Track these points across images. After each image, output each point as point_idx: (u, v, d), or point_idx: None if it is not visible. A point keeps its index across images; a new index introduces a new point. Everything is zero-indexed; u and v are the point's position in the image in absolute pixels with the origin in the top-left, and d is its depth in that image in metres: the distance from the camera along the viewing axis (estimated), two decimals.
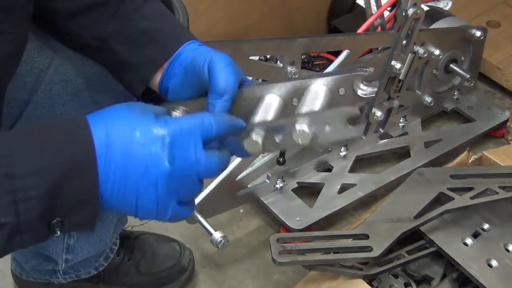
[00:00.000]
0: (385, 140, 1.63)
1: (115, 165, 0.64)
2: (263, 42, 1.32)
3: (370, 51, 1.47)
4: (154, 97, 0.87)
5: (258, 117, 0.78)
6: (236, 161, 1.34)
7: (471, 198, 1.21)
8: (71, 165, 0.62)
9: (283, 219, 1.42)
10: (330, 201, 1.47)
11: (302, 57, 1.40)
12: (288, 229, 1.41)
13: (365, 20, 1.42)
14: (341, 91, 0.79)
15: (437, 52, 1.50)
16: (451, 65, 1.61)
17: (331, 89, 0.78)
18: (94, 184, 0.64)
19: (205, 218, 1.28)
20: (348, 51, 1.39)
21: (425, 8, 1.43)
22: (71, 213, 0.64)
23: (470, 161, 1.42)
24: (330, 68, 1.42)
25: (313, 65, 1.82)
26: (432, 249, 1.20)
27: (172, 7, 1.41)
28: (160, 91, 0.85)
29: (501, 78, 1.83)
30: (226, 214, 1.48)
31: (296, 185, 1.50)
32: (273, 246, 1.12)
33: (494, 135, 1.72)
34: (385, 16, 1.43)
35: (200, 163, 0.67)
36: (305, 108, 0.79)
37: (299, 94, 0.80)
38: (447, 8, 1.78)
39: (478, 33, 1.60)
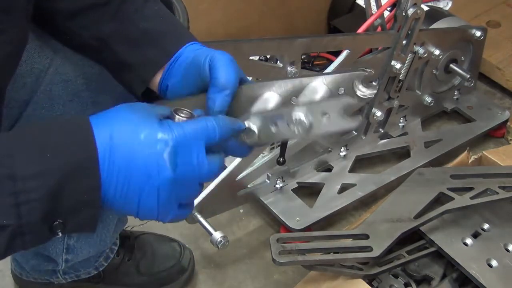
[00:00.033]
0: (385, 140, 1.63)
1: (118, 169, 0.64)
2: (263, 42, 1.32)
3: (370, 51, 1.47)
4: (153, 97, 0.87)
5: (254, 110, 0.78)
6: (236, 161, 1.34)
7: (471, 198, 1.21)
8: (73, 168, 0.62)
9: (283, 219, 1.42)
10: (330, 201, 1.47)
11: (302, 57, 1.40)
12: (288, 229, 1.41)
13: (365, 20, 1.42)
14: (341, 90, 0.79)
15: (437, 52, 1.50)
16: (451, 65, 1.61)
17: (331, 88, 0.78)
18: (96, 186, 0.64)
19: (205, 218, 1.28)
20: (348, 51, 1.39)
21: (425, 8, 1.44)
22: (73, 215, 0.64)
23: (470, 161, 1.42)
24: (330, 68, 1.42)
25: (313, 65, 1.82)
26: (432, 249, 1.20)
27: (173, 8, 1.41)
28: (159, 90, 0.85)
29: (501, 78, 1.84)
30: (226, 214, 1.48)
31: (296, 185, 1.50)
32: (273, 246, 1.12)
33: (494, 135, 1.72)
34: (385, 16, 1.43)
35: (203, 169, 0.67)
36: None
37: (298, 92, 0.80)
38: (447, 8, 1.78)
39: (478, 33, 1.60)
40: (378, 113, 1.51)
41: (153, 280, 1.34)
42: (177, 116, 0.68)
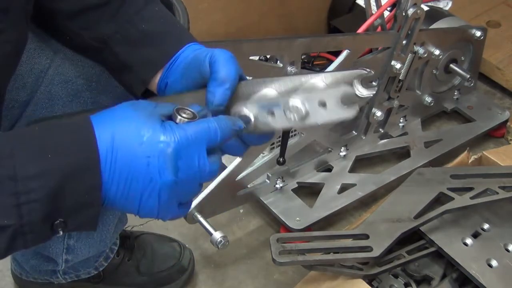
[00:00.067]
0: (385, 140, 1.63)
1: (120, 171, 0.64)
2: (263, 42, 1.32)
3: (370, 51, 1.47)
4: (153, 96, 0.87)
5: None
6: (236, 161, 1.34)
7: (471, 198, 1.21)
8: (74, 169, 0.62)
9: (283, 219, 1.42)
10: (330, 201, 1.47)
11: (302, 57, 1.40)
12: (288, 229, 1.41)
13: (365, 20, 1.42)
14: (342, 98, 0.78)
15: (437, 52, 1.50)
16: (451, 65, 1.61)
17: (330, 86, 0.78)
18: (97, 186, 0.64)
19: (205, 218, 1.28)
20: (348, 51, 1.39)
21: (425, 8, 1.43)
22: (74, 215, 0.64)
23: (470, 161, 1.42)
24: (330, 68, 1.42)
25: (313, 65, 1.82)
26: (432, 249, 1.20)
27: (173, 9, 1.41)
28: (158, 89, 0.85)
29: (501, 78, 1.84)
30: (226, 214, 1.48)
31: (296, 185, 1.50)
32: (273, 246, 1.12)
33: (494, 135, 1.72)
34: (385, 16, 1.43)
35: (204, 171, 0.67)
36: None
37: (296, 90, 0.79)
38: (447, 8, 1.78)
39: (478, 33, 1.60)
40: (378, 113, 1.51)
41: (153, 280, 1.34)
42: (179, 117, 0.68)
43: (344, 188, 1.50)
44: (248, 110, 0.71)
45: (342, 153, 1.56)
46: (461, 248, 1.18)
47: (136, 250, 1.34)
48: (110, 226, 1.20)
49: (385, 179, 1.53)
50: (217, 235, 1.22)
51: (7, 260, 1.36)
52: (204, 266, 1.43)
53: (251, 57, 1.32)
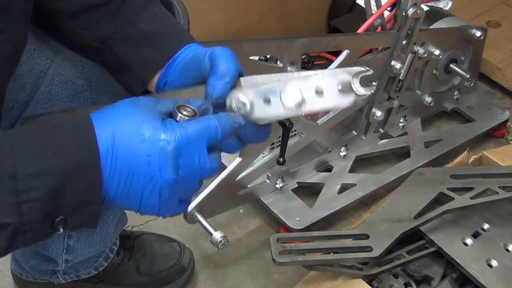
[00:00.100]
0: (385, 140, 1.63)
1: (120, 169, 0.64)
2: (263, 42, 1.32)
3: (370, 51, 1.47)
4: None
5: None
6: (236, 161, 1.34)
7: (471, 198, 1.21)
8: (74, 166, 0.63)
9: (283, 219, 1.42)
10: (330, 201, 1.47)
11: (302, 57, 1.40)
12: (288, 229, 1.41)
13: (365, 20, 1.42)
14: (339, 86, 0.77)
15: (437, 52, 1.50)
16: (451, 65, 1.61)
17: (327, 75, 0.77)
18: (97, 184, 0.64)
19: (205, 218, 1.28)
20: (348, 51, 1.39)
21: (425, 8, 1.43)
22: (74, 213, 0.65)
23: (470, 161, 1.42)
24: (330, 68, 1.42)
25: (313, 65, 1.82)
26: (432, 249, 1.20)
27: (173, 9, 1.40)
28: (156, 88, 0.85)
29: (501, 78, 1.84)
30: (226, 214, 1.48)
31: (296, 185, 1.50)
32: (273, 246, 1.12)
33: (494, 135, 1.72)
34: (385, 16, 1.43)
35: (204, 169, 0.67)
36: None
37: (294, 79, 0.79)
38: (447, 8, 1.78)
39: (478, 33, 1.60)
40: (378, 113, 1.51)
41: (153, 280, 1.34)
42: (180, 115, 0.67)
43: (344, 188, 1.50)
44: (244, 96, 0.71)
45: (342, 153, 1.56)
46: (461, 248, 1.18)
47: (136, 250, 1.34)
48: (110, 226, 1.20)
49: (385, 179, 1.53)
50: (217, 235, 1.22)
51: (7, 260, 1.36)
52: (204, 266, 1.43)
53: (251, 57, 1.32)
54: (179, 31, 0.88)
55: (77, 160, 0.63)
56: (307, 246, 1.16)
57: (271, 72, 0.74)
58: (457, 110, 1.74)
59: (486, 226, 1.22)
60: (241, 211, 1.54)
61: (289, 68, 1.33)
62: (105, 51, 0.86)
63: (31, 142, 0.63)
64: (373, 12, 1.43)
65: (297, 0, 1.87)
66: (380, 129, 1.61)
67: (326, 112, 1.46)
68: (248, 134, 0.73)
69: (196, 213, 1.29)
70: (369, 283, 1.15)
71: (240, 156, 1.34)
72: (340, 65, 1.40)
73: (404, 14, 1.38)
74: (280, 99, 0.69)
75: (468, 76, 1.61)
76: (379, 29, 1.44)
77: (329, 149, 1.54)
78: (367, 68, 0.72)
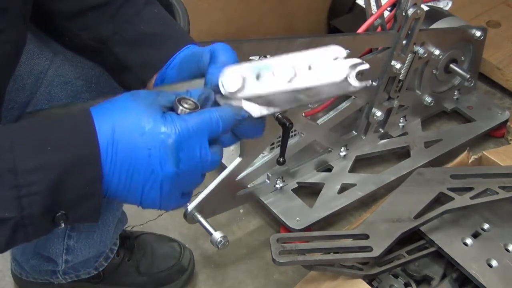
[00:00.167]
0: (385, 140, 1.63)
1: (121, 163, 0.64)
2: (263, 42, 1.32)
3: (370, 51, 1.47)
4: None
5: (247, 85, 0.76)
6: (236, 161, 1.34)
7: (471, 198, 1.21)
8: (74, 161, 0.63)
9: (283, 219, 1.42)
10: (330, 201, 1.47)
11: None
12: (288, 229, 1.41)
13: (365, 20, 1.42)
14: (332, 61, 0.75)
15: (437, 52, 1.50)
16: (451, 65, 1.61)
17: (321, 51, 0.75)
18: (98, 178, 0.64)
19: (205, 218, 1.28)
20: (348, 51, 1.39)
21: (425, 8, 1.43)
22: (75, 207, 0.65)
23: (470, 161, 1.42)
24: None
25: None
26: (432, 249, 1.20)
27: (173, 10, 1.40)
28: (154, 85, 0.85)
29: (501, 78, 1.83)
30: (226, 214, 1.48)
31: (296, 185, 1.50)
32: (273, 246, 1.12)
33: (494, 135, 1.72)
34: (385, 16, 1.43)
35: (205, 162, 0.67)
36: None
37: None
38: (447, 8, 1.78)
39: (478, 33, 1.60)
40: (378, 113, 1.51)
41: (153, 280, 1.34)
42: (181, 107, 0.67)
43: (344, 188, 1.50)
44: (236, 72, 0.69)
45: (342, 153, 1.56)
46: (461, 248, 1.18)
47: (136, 250, 1.34)
48: (110, 227, 1.20)
49: (385, 179, 1.53)
50: (217, 235, 1.22)
51: (7, 260, 1.37)
52: (204, 266, 1.43)
53: (251, 57, 1.32)
54: (179, 32, 0.88)
55: (77, 155, 0.63)
56: (307, 246, 1.16)
57: None
58: (457, 110, 1.74)
59: (486, 226, 1.22)
60: (241, 211, 1.54)
61: None
62: (104, 51, 0.86)
63: (31, 136, 0.63)
64: (373, 12, 1.43)
65: (297, 0, 1.87)
66: (380, 129, 1.61)
67: (326, 112, 1.46)
68: (243, 128, 0.73)
69: (196, 213, 1.29)
70: (369, 283, 1.15)
71: (240, 156, 1.34)
72: None
73: (404, 14, 1.38)
74: (273, 73, 0.68)
75: (468, 76, 1.61)
76: (379, 29, 1.43)
77: (329, 149, 1.54)
78: (364, 62, 0.71)
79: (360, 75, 0.69)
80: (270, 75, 0.68)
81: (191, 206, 1.28)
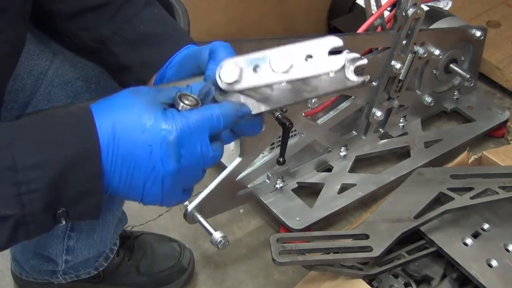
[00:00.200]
0: (385, 140, 1.63)
1: (122, 159, 0.64)
2: (263, 42, 1.32)
3: (370, 51, 1.47)
4: None
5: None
6: (236, 161, 1.34)
7: (471, 198, 1.21)
8: (74, 158, 0.63)
9: (283, 219, 1.42)
10: (330, 201, 1.47)
11: None
12: (288, 229, 1.41)
13: (365, 20, 1.42)
14: (329, 52, 0.75)
15: (437, 52, 1.50)
16: (451, 65, 1.61)
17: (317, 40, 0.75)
18: (98, 175, 0.64)
19: (205, 218, 1.28)
20: (348, 51, 1.39)
21: (425, 8, 1.43)
22: (76, 204, 0.65)
23: (470, 161, 1.42)
24: None
25: None
26: (432, 249, 1.20)
27: (173, 11, 1.40)
28: (154, 84, 0.85)
29: (501, 78, 1.83)
30: (226, 214, 1.48)
31: (296, 185, 1.50)
32: (273, 246, 1.12)
33: (494, 135, 1.72)
34: (385, 16, 1.43)
35: (207, 158, 0.67)
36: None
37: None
38: (447, 8, 1.78)
39: (478, 33, 1.60)
40: (378, 113, 1.51)
41: (153, 280, 1.34)
42: (181, 104, 0.67)
43: (344, 188, 1.50)
44: (234, 64, 0.69)
45: (342, 153, 1.56)
46: (461, 248, 1.18)
47: (136, 250, 1.34)
48: (110, 227, 1.20)
49: (385, 179, 1.53)
50: (217, 235, 1.22)
51: (7, 260, 1.37)
52: (204, 266, 1.43)
53: None
54: (179, 32, 0.88)
55: (77, 151, 0.63)
56: (307, 246, 1.16)
57: None
58: (457, 110, 1.74)
59: (486, 226, 1.22)
60: (241, 211, 1.54)
61: None
62: (104, 51, 0.86)
63: (31, 133, 0.63)
64: (373, 12, 1.43)
65: (297, 0, 1.87)
66: (380, 129, 1.61)
67: (326, 112, 1.46)
68: (241, 125, 0.72)
69: (196, 213, 1.29)
70: (369, 283, 1.15)
71: (240, 156, 1.34)
72: None
73: (404, 14, 1.38)
74: (270, 65, 0.68)
75: (468, 76, 1.61)
76: (379, 29, 1.43)
77: (329, 149, 1.54)
78: (362, 57, 0.71)
79: (358, 70, 0.69)
80: (267, 67, 0.68)
81: (191, 206, 1.28)
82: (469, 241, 1.19)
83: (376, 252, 1.13)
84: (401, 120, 1.64)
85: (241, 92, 0.71)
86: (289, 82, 0.71)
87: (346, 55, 0.69)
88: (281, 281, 1.41)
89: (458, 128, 1.71)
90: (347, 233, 1.25)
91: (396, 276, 1.19)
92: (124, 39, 0.85)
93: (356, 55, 0.70)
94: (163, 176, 0.65)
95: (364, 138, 1.58)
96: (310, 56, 0.67)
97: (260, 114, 0.73)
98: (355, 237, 1.18)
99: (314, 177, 1.53)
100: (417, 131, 1.66)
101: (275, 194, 1.47)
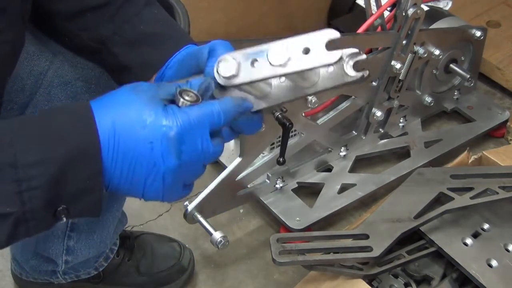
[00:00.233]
0: (385, 140, 1.63)
1: (122, 156, 0.64)
2: (263, 42, 1.31)
3: (370, 51, 1.47)
4: None
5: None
6: (236, 161, 1.34)
7: (471, 198, 1.21)
8: (74, 155, 0.63)
9: (283, 219, 1.42)
10: (330, 201, 1.47)
11: None
12: (288, 229, 1.41)
13: (365, 20, 1.42)
14: (326, 44, 0.74)
15: (437, 52, 1.50)
16: (451, 65, 1.61)
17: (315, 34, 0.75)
18: (98, 172, 0.64)
19: (205, 218, 1.28)
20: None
21: (425, 8, 1.43)
22: (76, 201, 0.65)
23: (470, 161, 1.42)
24: None
25: None
26: (432, 249, 1.20)
27: (173, 11, 1.40)
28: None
29: (501, 78, 1.84)
30: (226, 214, 1.48)
31: (296, 185, 1.50)
32: (273, 246, 1.12)
33: (494, 135, 1.72)
34: (385, 16, 1.43)
35: (207, 153, 0.67)
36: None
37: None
38: (447, 8, 1.78)
39: (478, 33, 1.60)
40: (378, 113, 1.51)
41: (153, 280, 1.34)
42: (182, 100, 0.67)
43: (344, 188, 1.50)
44: (231, 57, 0.69)
45: (342, 153, 1.56)
46: (461, 248, 1.18)
47: (136, 250, 1.34)
48: (110, 227, 1.20)
49: (385, 179, 1.53)
50: (217, 235, 1.22)
51: (7, 260, 1.37)
52: (204, 266, 1.43)
53: None
54: (179, 32, 0.88)
55: (77, 148, 0.63)
56: (307, 246, 1.16)
57: None
58: (457, 110, 1.74)
59: (486, 226, 1.22)
60: (241, 211, 1.54)
61: None
62: (104, 52, 0.86)
63: (31, 131, 0.63)
64: (373, 12, 1.43)
65: (297, 0, 1.87)
66: (380, 129, 1.61)
67: (326, 112, 1.46)
68: (241, 122, 0.73)
69: (196, 213, 1.28)
70: (369, 283, 1.15)
71: (240, 156, 1.34)
72: None
73: (404, 14, 1.38)
74: (267, 59, 0.68)
75: (468, 76, 1.61)
76: (379, 29, 1.43)
77: (329, 149, 1.54)
78: (361, 52, 0.71)
79: (357, 65, 0.69)
80: (264, 61, 0.68)
81: (191, 206, 1.28)
82: (469, 241, 1.19)
83: (376, 252, 1.13)
84: (401, 120, 1.64)
85: (240, 88, 0.71)
86: (288, 76, 0.71)
87: (344, 50, 0.69)
88: (281, 281, 1.41)
89: (458, 128, 1.71)
90: (347, 233, 1.25)
91: (396, 276, 1.19)
92: (124, 39, 0.85)
93: (355, 50, 0.70)
94: (164, 172, 0.66)
95: (364, 138, 1.58)
96: (307, 49, 0.67)
97: (259, 112, 0.73)
98: (355, 237, 1.18)
99: (314, 177, 1.53)
100: (417, 131, 1.66)
101: (275, 194, 1.47)
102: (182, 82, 0.70)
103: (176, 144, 0.65)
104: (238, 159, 1.34)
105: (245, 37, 1.77)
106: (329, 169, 1.55)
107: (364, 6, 1.46)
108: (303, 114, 1.40)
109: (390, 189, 1.42)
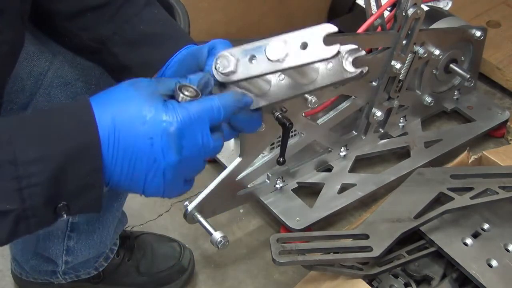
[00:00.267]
0: (385, 140, 1.63)
1: (123, 152, 0.64)
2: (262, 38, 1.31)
3: (370, 51, 1.47)
4: None
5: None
6: (236, 161, 1.34)
7: (471, 198, 1.21)
8: (74, 151, 0.63)
9: (283, 219, 1.42)
10: (330, 201, 1.47)
11: None
12: (288, 229, 1.41)
13: (365, 20, 1.42)
14: (324, 39, 0.74)
15: (437, 52, 1.50)
16: (451, 65, 1.61)
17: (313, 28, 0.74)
18: (98, 168, 0.64)
19: (205, 218, 1.28)
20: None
21: (425, 8, 1.43)
22: (76, 198, 0.65)
23: (470, 161, 1.42)
24: None
25: None
26: (432, 249, 1.20)
27: (173, 11, 1.40)
28: None
29: (501, 78, 1.84)
30: (226, 214, 1.48)
31: (296, 185, 1.50)
32: (273, 246, 1.12)
33: (494, 135, 1.72)
34: (385, 16, 1.43)
35: (208, 149, 0.68)
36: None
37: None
38: (447, 8, 1.78)
39: (478, 33, 1.60)
40: (378, 113, 1.51)
41: (153, 280, 1.34)
42: (181, 95, 0.67)
43: (344, 188, 1.50)
44: (230, 54, 0.69)
45: (342, 153, 1.56)
46: (461, 248, 1.18)
47: (136, 250, 1.34)
48: (110, 228, 1.20)
49: (385, 179, 1.53)
50: (217, 235, 1.22)
51: (7, 260, 1.37)
52: (204, 266, 1.43)
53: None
54: (179, 32, 0.88)
55: (77, 145, 0.63)
56: (307, 246, 1.16)
57: None
58: (457, 110, 1.74)
59: (486, 226, 1.22)
60: (241, 211, 1.54)
61: None
62: (104, 52, 0.86)
63: (31, 128, 0.63)
64: (373, 12, 1.43)
65: (297, 0, 1.87)
66: (380, 129, 1.61)
67: (326, 112, 1.46)
68: (240, 120, 0.73)
69: (196, 213, 1.28)
70: (369, 283, 1.15)
71: (240, 156, 1.34)
72: None
73: (404, 14, 1.38)
74: (265, 54, 0.68)
75: (468, 76, 1.61)
76: (379, 29, 1.43)
77: (329, 149, 1.54)
78: (360, 48, 0.71)
79: (356, 61, 0.69)
80: (262, 56, 0.68)
81: (191, 206, 1.28)
82: (469, 241, 1.19)
83: (376, 252, 1.13)
84: (401, 120, 1.64)
85: (239, 86, 0.71)
86: (286, 73, 0.71)
87: (343, 46, 0.69)
88: (281, 281, 1.41)
89: (458, 128, 1.71)
90: (347, 233, 1.25)
91: (396, 276, 1.19)
92: (124, 39, 0.85)
93: (354, 46, 0.70)
94: (164, 168, 0.66)
95: (364, 138, 1.58)
96: (305, 44, 0.67)
97: (259, 110, 0.73)
98: (355, 237, 1.18)
99: (314, 177, 1.53)
100: (417, 131, 1.66)
101: (275, 194, 1.47)
102: (182, 79, 0.70)
103: (177, 139, 0.65)
104: (238, 159, 1.34)
105: (245, 37, 1.77)
106: (329, 169, 1.55)
107: (364, 6, 1.46)
108: (303, 114, 1.40)
109: (390, 189, 1.42)
